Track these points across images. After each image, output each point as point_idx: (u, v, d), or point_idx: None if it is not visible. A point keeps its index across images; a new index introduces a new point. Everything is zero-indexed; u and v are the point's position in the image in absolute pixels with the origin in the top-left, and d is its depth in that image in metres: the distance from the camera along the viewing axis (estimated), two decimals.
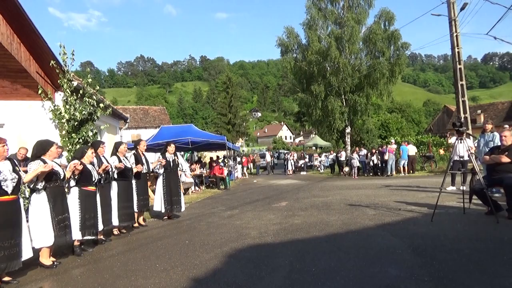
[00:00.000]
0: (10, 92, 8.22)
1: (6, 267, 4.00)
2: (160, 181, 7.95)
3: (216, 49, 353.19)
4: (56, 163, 5.04)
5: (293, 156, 28.18)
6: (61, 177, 4.92)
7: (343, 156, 22.57)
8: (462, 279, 3.36)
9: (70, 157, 7.87)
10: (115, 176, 6.55)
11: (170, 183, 7.95)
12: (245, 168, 26.97)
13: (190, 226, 7.23)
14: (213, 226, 7.04)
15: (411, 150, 18.52)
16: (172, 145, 8.28)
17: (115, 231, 6.63)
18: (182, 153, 20.26)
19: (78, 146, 8.11)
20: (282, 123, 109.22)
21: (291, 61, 27.00)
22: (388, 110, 58.11)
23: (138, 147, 7.59)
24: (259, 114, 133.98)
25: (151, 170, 7.75)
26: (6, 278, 4.12)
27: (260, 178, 23.64)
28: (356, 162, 19.64)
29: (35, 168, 4.47)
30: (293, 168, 26.93)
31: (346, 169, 20.98)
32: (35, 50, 7.47)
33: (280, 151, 55.65)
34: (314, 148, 41.98)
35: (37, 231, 4.58)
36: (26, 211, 4.64)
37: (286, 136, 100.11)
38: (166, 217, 8.02)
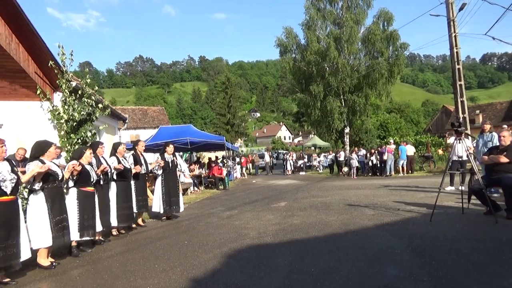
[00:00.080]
0: (8, 93, 8.21)
1: (4, 268, 3.99)
2: (159, 181, 7.95)
3: (215, 49, 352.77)
4: (55, 163, 5.03)
5: (292, 157, 28.19)
6: (59, 178, 4.91)
7: (342, 156, 22.59)
8: (461, 279, 3.36)
9: (68, 158, 7.85)
10: (114, 177, 6.55)
11: (169, 183, 7.95)
12: (244, 169, 26.97)
13: (189, 226, 7.23)
14: (212, 226, 7.04)
15: (410, 150, 18.55)
16: (171, 146, 8.28)
17: (114, 232, 6.63)
18: (181, 153, 20.25)
19: (77, 147, 8.09)
20: (281, 123, 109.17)
21: (290, 62, 27.01)
22: (387, 110, 58.25)
23: (136, 147, 7.59)
24: (258, 115, 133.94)
25: (149, 170, 7.75)
26: (5, 279, 4.10)
27: (259, 178, 23.63)
28: (355, 162, 19.65)
29: (33, 168, 4.47)
30: (292, 168, 26.94)
31: (345, 169, 20.99)
32: (33, 50, 7.45)
33: (279, 151, 55.64)
34: (313, 148, 41.98)
35: (35, 232, 4.56)
36: (24, 212, 4.63)
37: (285, 136, 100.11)
38: (164, 218, 8.02)
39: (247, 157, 31.28)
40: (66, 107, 8.49)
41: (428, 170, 18.83)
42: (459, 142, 6.51)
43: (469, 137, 10.27)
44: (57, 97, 8.67)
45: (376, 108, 36.55)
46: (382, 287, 3.34)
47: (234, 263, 4.47)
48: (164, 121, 35.09)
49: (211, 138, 16.87)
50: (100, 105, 9.35)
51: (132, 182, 7.10)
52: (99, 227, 5.76)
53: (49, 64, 7.81)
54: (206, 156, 26.95)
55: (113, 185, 6.58)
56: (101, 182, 5.99)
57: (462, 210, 6.47)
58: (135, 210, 7.11)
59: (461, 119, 6.91)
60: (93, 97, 9.10)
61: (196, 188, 15.23)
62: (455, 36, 15.72)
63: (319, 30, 26.36)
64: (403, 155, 18.06)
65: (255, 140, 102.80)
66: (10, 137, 8.44)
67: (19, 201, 4.39)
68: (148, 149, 13.55)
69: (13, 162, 4.39)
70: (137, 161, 7.27)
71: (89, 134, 8.83)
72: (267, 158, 30.11)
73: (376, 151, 19.31)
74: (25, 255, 4.26)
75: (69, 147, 8.42)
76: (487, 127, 8.73)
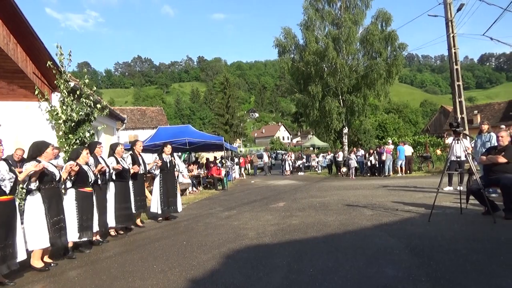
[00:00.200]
0: (6, 93, 8.19)
1: (2, 269, 3.98)
2: (157, 182, 7.93)
3: (213, 49, 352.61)
4: (53, 164, 5.01)
5: (291, 157, 28.20)
6: (57, 179, 4.89)
7: (340, 157, 22.61)
8: (459, 279, 3.37)
9: (67, 158, 7.84)
10: (113, 177, 6.53)
11: (167, 183, 7.94)
12: (242, 169, 26.96)
13: (188, 227, 7.22)
14: (210, 227, 7.03)
15: (408, 150, 18.58)
16: (169, 146, 8.27)
17: (112, 232, 6.60)
18: (180, 154, 20.24)
19: (75, 147, 8.08)
20: (280, 123, 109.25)
21: (288, 62, 27.02)
22: (385, 110, 58.31)
23: (134, 147, 7.58)
24: (257, 115, 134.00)
25: (147, 170, 7.74)
26: (3, 280, 4.09)
27: (258, 178, 23.63)
28: (353, 163, 19.68)
29: (28, 167, 4.46)
30: (291, 169, 26.95)
31: (344, 169, 21.01)
32: (32, 50, 7.43)
33: (278, 151, 55.63)
34: (311, 148, 41.92)
35: (31, 233, 4.54)
36: (22, 212, 4.62)
37: (283, 137, 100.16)
38: (161, 218, 7.97)
39: (245, 158, 31.26)
40: (64, 107, 8.48)
41: (427, 170, 18.85)
42: (457, 143, 6.53)
43: (467, 138, 10.29)
44: (55, 97, 8.66)
45: (375, 108, 36.62)
46: (380, 287, 3.34)
47: (233, 263, 4.47)
48: (163, 121, 35.07)
49: (209, 138, 16.87)
50: (98, 106, 9.34)
51: (130, 182, 7.09)
52: (96, 228, 5.75)
53: (47, 65, 7.79)
54: (204, 156, 26.93)
55: (111, 185, 6.57)
56: (99, 182, 5.97)
57: (461, 210, 6.48)
58: (133, 210, 7.09)
59: (459, 120, 6.94)
60: (91, 98, 9.09)
61: (194, 189, 15.21)
62: (453, 36, 15.75)
63: (318, 30, 26.41)
64: (401, 155, 18.09)
65: (254, 140, 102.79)
66: (8, 137, 8.42)
67: (17, 201, 4.38)
68: (147, 149, 13.54)
69: (10, 162, 4.38)
70: (135, 161, 7.26)
71: (87, 134, 8.83)
72: (265, 158, 30.12)
73: (374, 152, 19.33)
74: (21, 256, 4.24)
75: (67, 147, 8.42)
76: (485, 127, 8.75)
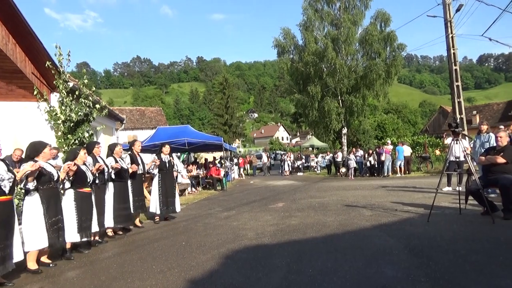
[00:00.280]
0: (5, 93, 8.18)
1: (1, 269, 3.97)
2: (155, 182, 7.93)
3: (212, 50, 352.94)
4: (51, 164, 5.00)
5: (290, 157, 28.21)
6: (55, 179, 4.87)
7: (339, 157, 22.61)
8: (458, 280, 3.37)
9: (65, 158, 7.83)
10: (113, 176, 6.51)
11: (166, 183, 7.93)
12: (241, 169, 26.96)
13: (187, 227, 7.22)
14: (209, 227, 7.03)
15: (406, 150, 18.60)
16: (167, 146, 8.27)
17: (110, 233, 6.53)
18: (179, 154, 20.23)
19: (73, 147, 8.06)
20: (279, 124, 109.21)
21: (287, 62, 27.00)
22: (384, 111, 58.25)
23: (133, 147, 7.57)
24: (256, 115, 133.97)
25: (146, 170, 7.73)
26: (1, 281, 4.08)
27: (257, 179, 23.64)
28: (352, 163, 19.69)
29: (25, 167, 4.44)
30: (290, 169, 26.96)
31: (343, 170, 21.02)
32: (30, 51, 7.43)
33: (277, 152, 55.66)
34: (310, 149, 41.96)
35: (30, 234, 4.52)
36: (20, 213, 4.60)
37: (282, 137, 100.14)
38: (158, 219, 7.95)
39: (245, 158, 31.27)
40: (63, 107, 8.47)
41: (426, 170, 18.87)
42: (456, 143, 6.54)
43: (466, 138, 10.30)
44: (54, 97, 8.66)
45: (374, 108, 36.53)
46: None
47: (232, 264, 4.47)
48: (162, 121, 35.02)
49: (208, 138, 16.87)
50: (97, 106, 9.34)
51: (129, 182, 7.08)
52: (95, 228, 5.73)
53: (46, 65, 7.79)
54: (203, 157, 26.92)
55: (110, 185, 6.55)
56: (97, 181, 5.93)
57: (460, 210, 6.48)
58: (132, 210, 7.07)
59: (458, 120, 6.94)
60: (90, 98, 9.09)
61: (193, 189, 15.20)
62: (452, 37, 15.77)
63: (317, 30, 26.38)
64: (400, 155, 18.11)
65: (253, 140, 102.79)
66: (7, 137, 8.43)
67: (15, 201, 4.37)
68: (146, 149, 13.53)
69: (7, 162, 4.37)
70: (134, 161, 7.24)
71: (86, 134, 8.82)
72: (264, 159, 30.12)
73: (374, 152, 19.35)
74: (18, 256, 4.21)
75: (66, 148, 8.41)
76: (484, 127, 8.76)
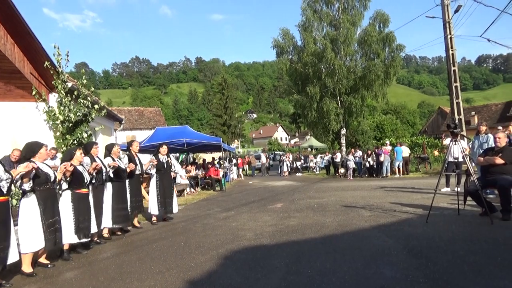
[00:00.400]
0: (3, 93, 8.16)
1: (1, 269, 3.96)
2: (153, 182, 7.91)
3: (211, 50, 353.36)
4: (48, 165, 4.97)
5: (289, 158, 28.19)
6: (52, 180, 4.84)
7: (338, 158, 22.63)
8: (457, 280, 3.37)
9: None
10: (111, 175, 6.49)
11: (164, 184, 7.93)
12: (240, 170, 26.94)
13: (186, 228, 7.21)
14: (208, 228, 7.02)
15: (405, 151, 18.62)
16: (164, 147, 8.25)
17: (106, 234, 6.47)
18: (177, 154, 20.20)
19: (69, 148, 8.04)
20: (278, 124, 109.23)
21: (286, 63, 27.01)
22: (383, 111, 58.35)
23: (131, 148, 7.55)
24: (255, 116, 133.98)
25: (144, 171, 7.71)
26: (0, 281, 4.07)
27: (256, 179, 23.63)
28: (351, 164, 19.70)
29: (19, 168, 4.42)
30: (289, 170, 26.95)
31: (342, 170, 21.03)
32: (29, 51, 7.41)
33: (276, 152, 55.67)
34: (309, 149, 42.04)
35: (26, 236, 4.48)
36: (16, 213, 4.57)
37: (281, 138, 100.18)
38: (155, 220, 7.93)
39: (243, 158, 31.25)
40: (61, 108, 8.45)
41: (424, 171, 18.90)
42: (455, 144, 6.54)
43: (465, 139, 10.31)
44: (53, 98, 8.63)
45: (372, 109, 36.69)
46: None
47: (231, 264, 4.46)
48: (161, 122, 35.01)
49: (207, 139, 16.85)
50: (96, 106, 9.32)
51: (127, 182, 7.05)
52: (94, 229, 5.72)
53: (45, 65, 7.77)
54: (201, 157, 26.89)
55: (109, 186, 6.53)
56: (93, 181, 5.89)
57: (458, 211, 6.49)
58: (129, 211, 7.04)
59: (456, 121, 6.95)
60: (89, 98, 9.06)
61: (192, 189, 15.19)
62: (450, 38, 15.81)
63: (316, 31, 26.38)
64: (398, 156, 18.13)
65: (252, 141, 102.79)
66: (5, 138, 8.41)
67: (14, 202, 4.36)
68: (145, 150, 13.52)
69: (2, 163, 4.34)
70: (131, 162, 7.23)
71: (85, 135, 8.80)
72: (263, 159, 30.11)
73: (372, 153, 19.36)
74: (13, 257, 4.18)
75: (64, 148, 8.38)
76: (483, 128, 8.77)
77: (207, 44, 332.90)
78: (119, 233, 6.77)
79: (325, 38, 25.44)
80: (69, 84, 8.50)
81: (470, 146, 9.51)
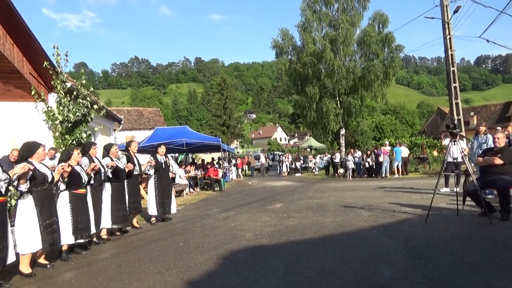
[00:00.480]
0: (2, 93, 8.15)
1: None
2: (151, 183, 7.89)
3: (211, 50, 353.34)
4: (46, 165, 4.94)
5: (288, 158, 28.19)
6: (49, 180, 4.80)
7: (337, 158, 22.63)
8: (456, 281, 3.38)
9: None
10: (109, 175, 6.48)
11: (162, 184, 7.91)
12: (240, 170, 26.94)
13: (185, 228, 7.20)
14: (207, 228, 7.02)
15: (404, 151, 18.64)
16: (163, 147, 8.24)
17: (104, 235, 6.44)
18: (177, 154, 20.21)
19: (66, 148, 8.03)
20: (277, 124, 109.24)
21: (285, 63, 27.03)
22: (382, 112, 58.46)
23: (129, 148, 7.55)
24: (254, 116, 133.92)
25: (142, 171, 7.70)
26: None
27: (255, 180, 23.62)
28: (350, 164, 19.70)
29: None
30: (288, 170, 26.95)
31: (341, 170, 21.04)
32: (28, 51, 7.41)
33: (275, 152, 55.71)
34: (308, 149, 42.04)
35: (23, 237, 4.45)
36: (13, 214, 4.56)
37: (280, 138, 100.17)
38: (154, 220, 7.91)
39: (243, 159, 31.24)
40: (61, 108, 8.44)
41: (423, 171, 18.91)
42: (454, 144, 6.54)
43: (464, 139, 10.33)
44: (52, 98, 8.63)
45: (372, 109, 36.76)
46: None
47: (230, 264, 4.46)
48: (160, 122, 35.03)
49: (206, 139, 16.86)
50: (95, 106, 9.32)
51: (125, 183, 7.04)
52: (93, 229, 5.70)
53: (44, 65, 7.76)
54: (200, 157, 26.88)
55: (108, 186, 6.52)
56: (92, 182, 5.86)
57: (457, 211, 6.50)
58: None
59: (456, 121, 6.96)
60: (88, 98, 9.06)
61: (191, 190, 15.18)
62: (449, 38, 15.82)
63: (315, 32, 26.41)
64: (397, 156, 18.14)
65: (251, 141, 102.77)
66: (4, 138, 8.40)
67: (13, 202, 4.35)
68: (144, 150, 13.52)
69: (1, 163, 4.32)
70: (130, 162, 7.22)
71: (84, 135, 8.79)
72: (262, 159, 30.11)
73: (371, 153, 19.37)
74: (10, 258, 4.15)
75: (63, 148, 8.37)
76: (482, 129, 8.79)
77: (207, 44, 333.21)
78: (118, 233, 6.76)
79: (324, 39, 25.45)
80: (68, 84, 8.49)
81: (469, 146, 9.53)
